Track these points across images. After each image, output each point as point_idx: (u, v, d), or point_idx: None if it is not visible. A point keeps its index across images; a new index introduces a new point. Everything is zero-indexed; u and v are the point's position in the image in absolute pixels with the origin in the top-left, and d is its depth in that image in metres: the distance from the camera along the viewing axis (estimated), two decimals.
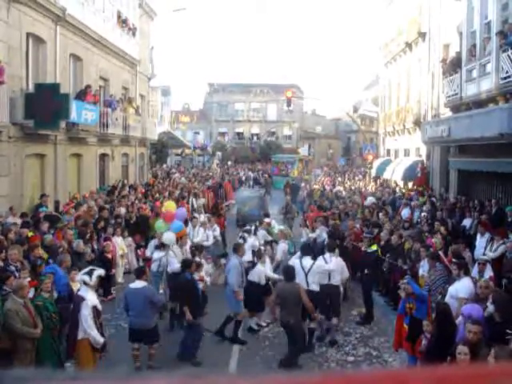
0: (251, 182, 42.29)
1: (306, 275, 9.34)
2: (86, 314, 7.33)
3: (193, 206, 20.65)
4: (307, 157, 52.33)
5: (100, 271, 7.91)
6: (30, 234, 11.04)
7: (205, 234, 13.99)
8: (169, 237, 10.93)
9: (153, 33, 30.50)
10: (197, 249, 11.32)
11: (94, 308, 7.46)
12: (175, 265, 10.35)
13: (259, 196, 24.75)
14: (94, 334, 7.37)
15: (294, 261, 9.78)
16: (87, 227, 12.73)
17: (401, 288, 8.04)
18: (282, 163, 46.39)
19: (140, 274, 8.54)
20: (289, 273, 8.61)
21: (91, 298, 7.50)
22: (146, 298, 8.16)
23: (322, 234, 13.34)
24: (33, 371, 0.65)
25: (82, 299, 7.44)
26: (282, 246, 12.39)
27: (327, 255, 9.99)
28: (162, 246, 11.08)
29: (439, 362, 5.96)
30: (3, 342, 7.05)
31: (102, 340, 7.43)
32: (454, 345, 5.81)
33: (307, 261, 9.52)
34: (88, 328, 7.33)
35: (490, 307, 6.66)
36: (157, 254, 11.12)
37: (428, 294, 8.31)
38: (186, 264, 9.36)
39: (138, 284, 8.35)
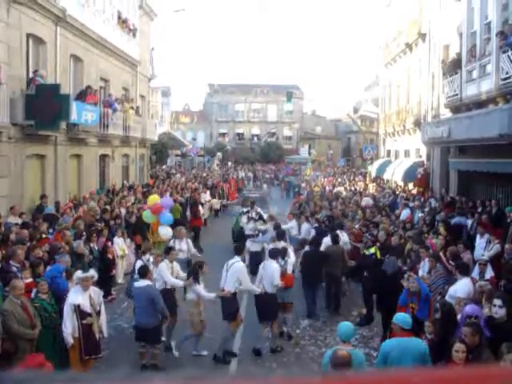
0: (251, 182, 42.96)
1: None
2: (64, 310, 7.48)
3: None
4: (319, 158, 53.05)
5: (93, 271, 8.18)
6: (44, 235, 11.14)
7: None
8: (163, 231, 10.56)
9: (153, 33, 30.55)
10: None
11: (77, 307, 7.42)
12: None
13: (260, 191, 29.10)
14: (64, 332, 7.40)
15: (326, 239, 12.34)
16: (92, 229, 12.66)
17: (404, 278, 8.01)
18: (295, 164, 47.68)
19: (144, 272, 8.53)
20: (334, 237, 11.63)
21: (74, 297, 7.52)
22: (148, 297, 8.21)
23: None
24: (32, 373, 0.65)
25: (66, 297, 7.67)
26: None
27: (339, 232, 12.50)
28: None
29: (441, 362, 5.96)
30: (6, 344, 7.04)
31: (70, 341, 7.35)
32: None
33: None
34: (62, 325, 7.43)
35: (494, 309, 6.62)
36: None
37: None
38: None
39: (142, 283, 8.37)
